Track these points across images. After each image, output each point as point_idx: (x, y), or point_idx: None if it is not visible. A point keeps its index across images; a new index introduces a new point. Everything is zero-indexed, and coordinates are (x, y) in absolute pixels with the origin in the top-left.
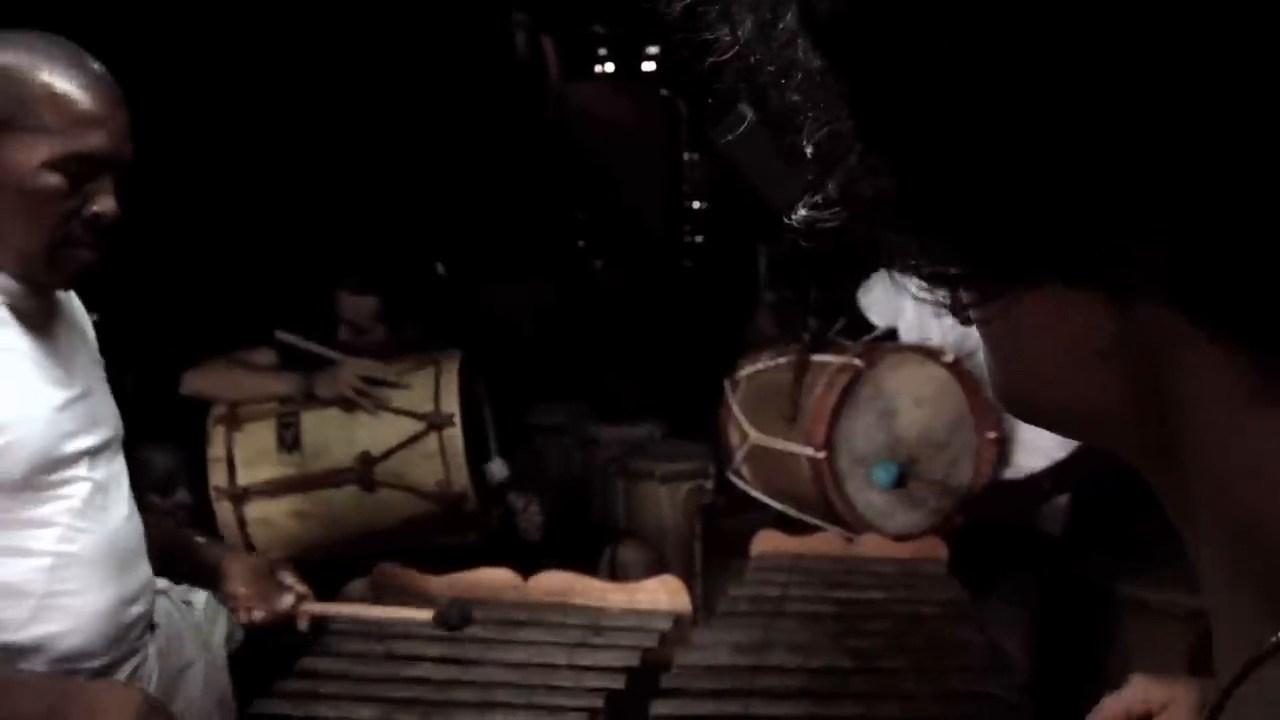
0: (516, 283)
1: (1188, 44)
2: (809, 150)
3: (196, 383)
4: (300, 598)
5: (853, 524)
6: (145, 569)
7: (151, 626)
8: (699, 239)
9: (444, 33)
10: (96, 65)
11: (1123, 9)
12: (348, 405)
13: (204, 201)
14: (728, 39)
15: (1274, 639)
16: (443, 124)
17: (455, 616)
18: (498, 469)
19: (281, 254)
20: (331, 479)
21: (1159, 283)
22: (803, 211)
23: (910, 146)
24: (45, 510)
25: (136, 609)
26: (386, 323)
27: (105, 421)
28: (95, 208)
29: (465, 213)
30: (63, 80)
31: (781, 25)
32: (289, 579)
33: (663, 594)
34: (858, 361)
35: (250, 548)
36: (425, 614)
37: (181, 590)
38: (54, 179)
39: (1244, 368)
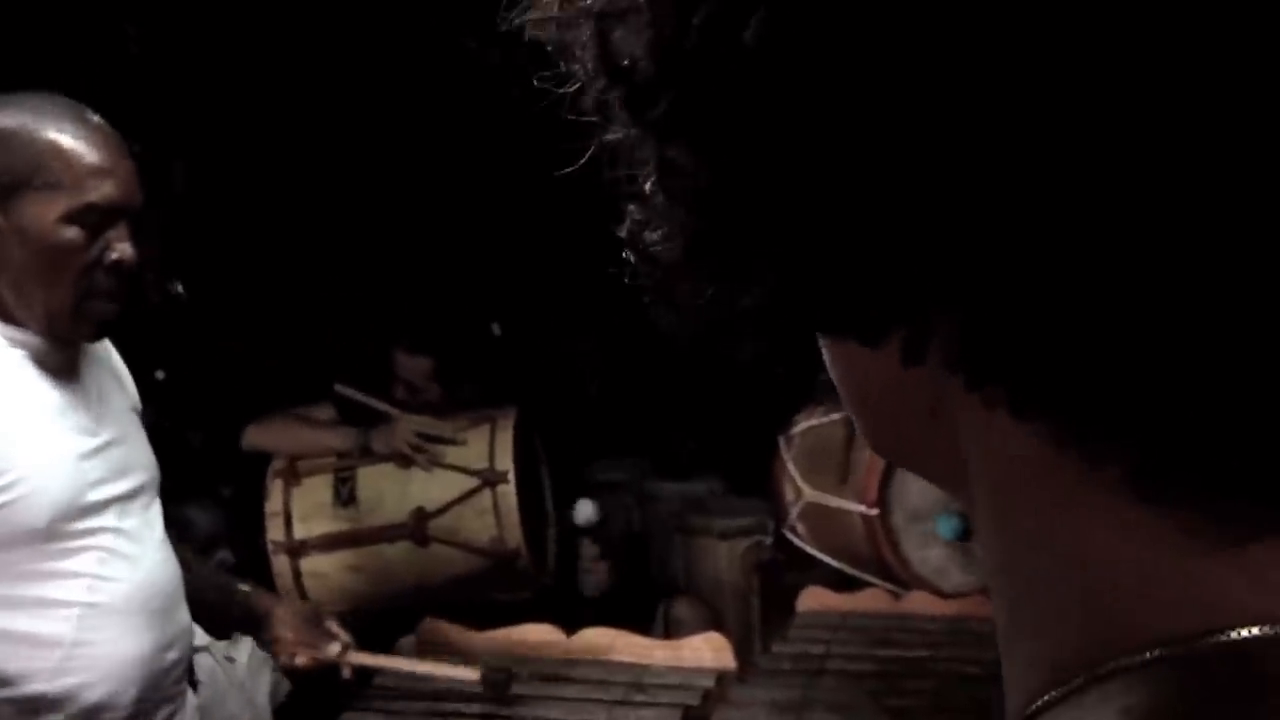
0: (582, 338)
1: (971, 126)
2: (644, 191)
3: (257, 437)
4: (345, 647)
5: (908, 581)
6: (182, 616)
7: (193, 682)
8: None
9: (502, 94)
10: (97, 118)
11: (907, 93)
12: (403, 461)
13: (266, 261)
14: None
15: (1036, 703)
16: (504, 183)
17: (500, 682)
18: (586, 510)
19: (342, 312)
20: (385, 534)
21: (940, 348)
22: (638, 247)
23: (703, 199)
24: (72, 561)
25: (172, 656)
26: (441, 382)
27: (138, 469)
28: (114, 255)
29: (527, 269)
30: (68, 136)
31: (598, 84)
32: (334, 628)
33: (707, 651)
34: None
35: (305, 601)
36: (470, 673)
37: (223, 646)
38: (71, 232)
39: (1022, 441)
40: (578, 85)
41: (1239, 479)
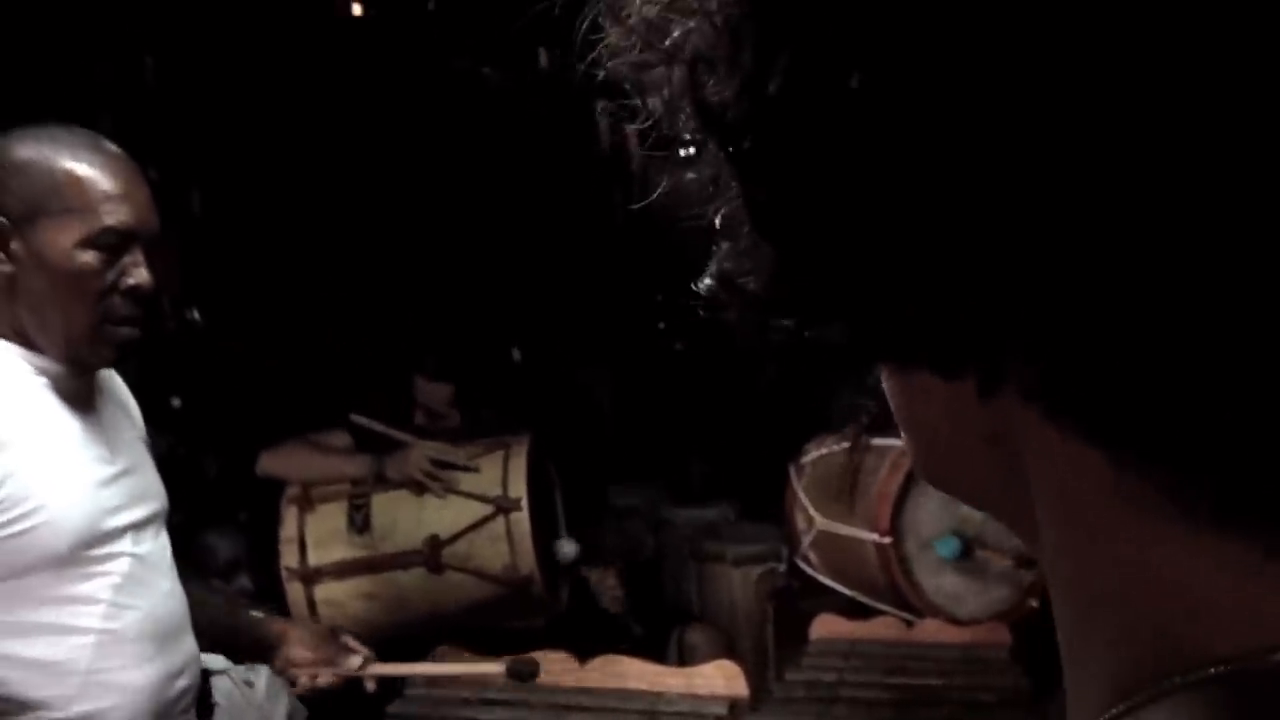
0: (598, 364)
1: (1046, 170)
2: (716, 223)
3: (272, 463)
4: (366, 659)
5: (922, 609)
6: (190, 644)
7: (210, 705)
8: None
9: (525, 119)
10: (112, 146)
11: (989, 125)
12: (417, 488)
13: (284, 287)
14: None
15: (1101, 719)
16: (524, 210)
17: (525, 668)
18: (567, 548)
19: (362, 338)
20: (399, 561)
21: (1016, 381)
22: (708, 281)
23: (791, 236)
24: (89, 586)
25: (181, 683)
26: (461, 408)
27: (149, 497)
28: (131, 280)
29: (545, 297)
30: (83, 164)
31: (683, 111)
32: (352, 642)
33: (720, 679)
34: None
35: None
36: (495, 666)
37: (242, 670)
38: (88, 257)
39: (1095, 468)
40: (647, 122)
41: None
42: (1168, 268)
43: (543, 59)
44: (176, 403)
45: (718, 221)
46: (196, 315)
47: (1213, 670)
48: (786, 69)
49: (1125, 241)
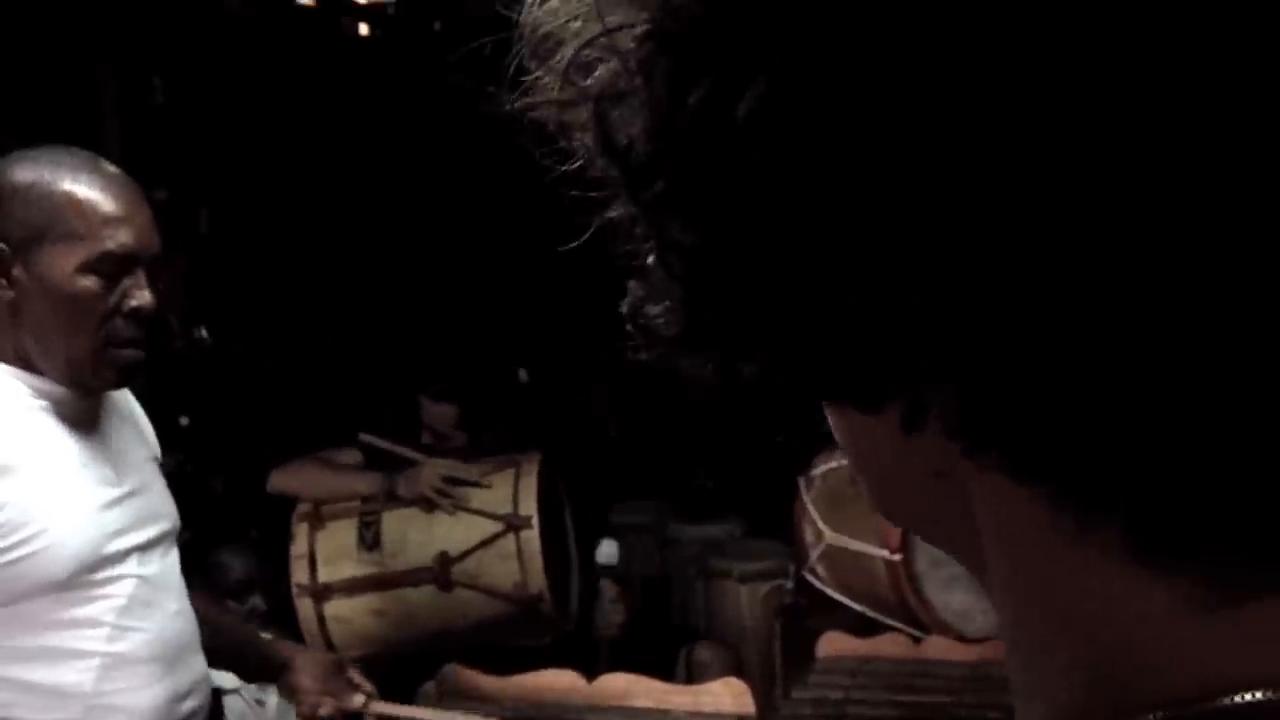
0: (602, 381)
1: (964, 206)
2: (643, 266)
3: (282, 481)
4: (369, 697)
5: (930, 626)
6: (199, 664)
7: None
8: None
9: (523, 147)
10: (113, 168)
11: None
12: (428, 505)
13: (291, 306)
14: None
15: None
16: (528, 231)
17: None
18: (608, 550)
19: (370, 359)
20: (409, 578)
21: (939, 416)
22: (638, 321)
23: (697, 275)
24: (92, 609)
25: (189, 704)
26: (466, 430)
27: (158, 517)
28: (133, 303)
29: (547, 314)
30: (84, 187)
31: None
32: (357, 677)
33: (727, 696)
34: None
35: (329, 645)
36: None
37: (253, 690)
38: (89, 281)
39: (1029, 503)
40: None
41: (1235, 541)
42: (1078, 304)
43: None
44: (185, 421)
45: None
46: (204, 333)
47: (1151, 716)
48: (695, 108)
49: (1033, 279)
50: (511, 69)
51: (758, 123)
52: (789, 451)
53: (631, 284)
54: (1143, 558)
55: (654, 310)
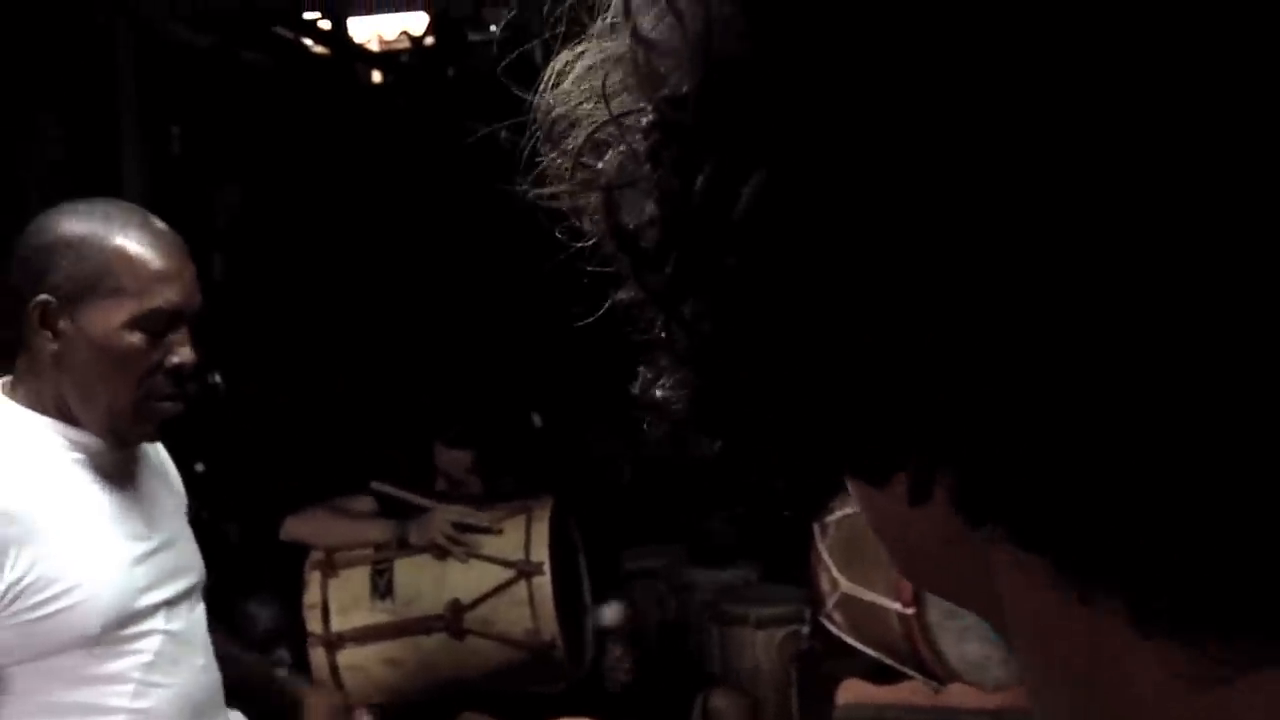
0: (615, 426)
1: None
2: (653, 347)
3: (296, 529)
4: None
5: (945, 678)
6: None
7: None
8: None
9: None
10: (161, 224)
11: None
12: (440, 552)
13: (307, 354)
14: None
15: None
16: (540, 277)
17: None
18: (611, 613)
19: (383, 405)
20: (422, 626)
21: (944, 490)
22: (656, 393)
23: (705, 360)
24: (120, 665)
25: None
26: (481, 475)
27: (186, 571)
28: (176, 359)
29: (561, 360)
30: (134, 243)
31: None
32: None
33: None
34: None
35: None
36: None
37: None
38: (135, 338)
39: (1041, 572)
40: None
41: (1234, 614)
42: (1075, 387)
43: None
44: (200, 467)
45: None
46: (219, 379)
47: None
48: (700, 198)
49: (1028, 369)
50: (525, 152)
51: (758, 213)
52: (804, 496)
53: (642, 364)
54: (1144, 628)
55: (664, 388)
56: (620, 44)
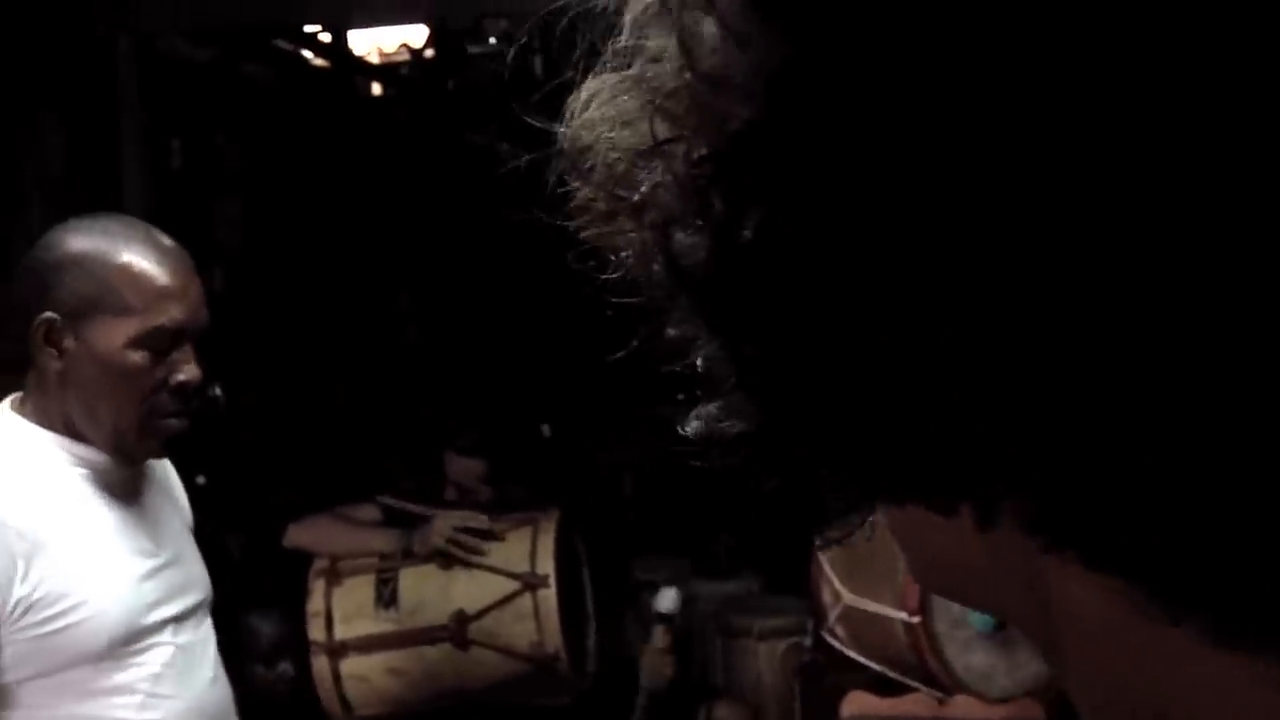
0: (619, 441)
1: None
2: (698, 366)
3: (300, 536)
4: None
5: (951, 688)
6: None
7: None
8: None
9: (543, 197)
10: (167, 240)
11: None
12: (445, 562)
13: (309, 366)
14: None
15: None
16: (546, 288)
17: None
18: (669, 598)
19: (391, 415)
20: (426, 636)
21: (1013, 515)
22: (695, 423)
23: (768, 390)
24: (126, 677)
25: None
26: (493, 485)
27: (192, 587)
28: (181, 376)
29: (567, 371)
30: (139, 260)
31: (655, 265)
32: None
33: None
34: None
35: (345, 704)
36: None
37: None
38: (140, 355)
39: (1111, 591)
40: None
41: None
42: (1156, 401)
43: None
44: (201, 480)
45: (698, 368)
46: (219, 391)
47: None
48: (755, 229)
49: (1104, 384)
50: (552, 183)
51: (820, 247)
52: (806, 508)
53: (701, 394)
54: (1229, 643)
55: (713, 420)
56: (653, 71)
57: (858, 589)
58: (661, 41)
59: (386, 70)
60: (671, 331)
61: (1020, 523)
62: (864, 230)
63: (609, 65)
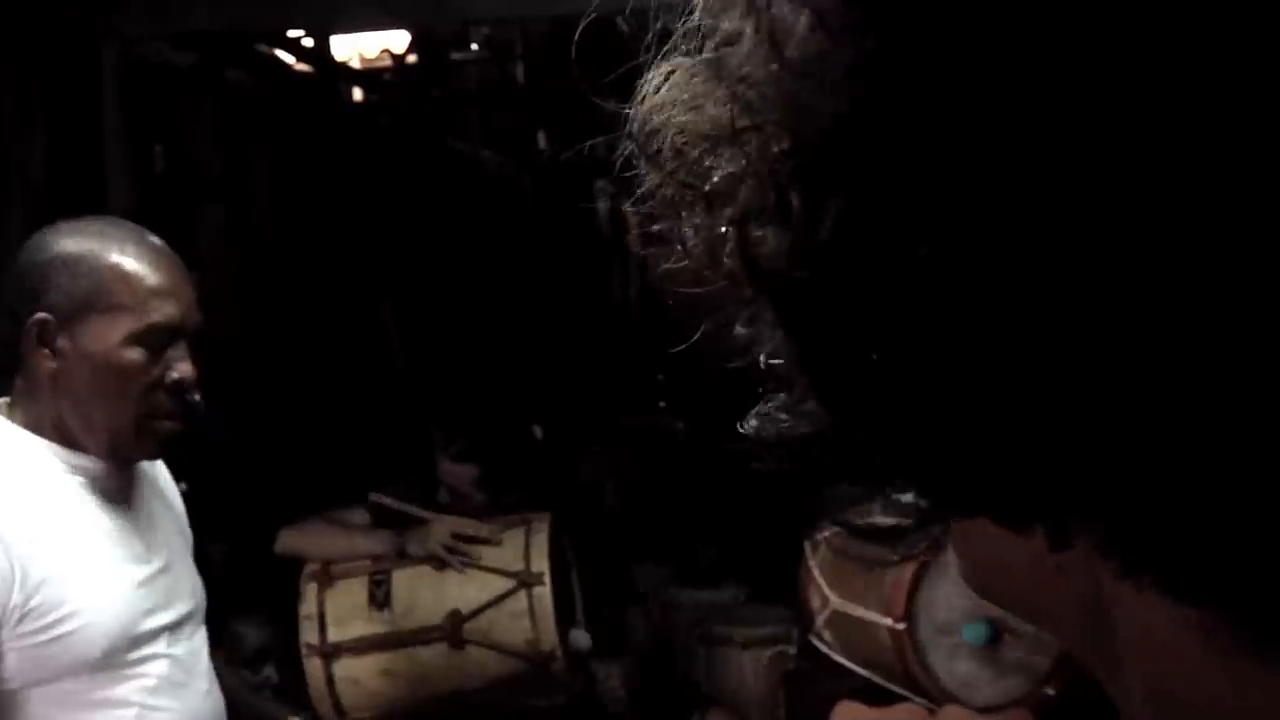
0: (601, 449)
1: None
2: (762, 363)
3: (291, 540)
4: None
5: (936, 696)
6: None
7: None
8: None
9: (526, 201)
10: (158, 241)
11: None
12: (438, 563)
13: (290, 374)
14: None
15: None
16: (531, 291)
17: None
18: (581, 638)
19: (382, 421)
20: (420, 637)
21: (1087, 536)
22: (754, 422)
23: (843, 394)
24: (122, 690)
25: None
26: (486, 490)
27: (186, 595)
28: (175, 375)
29: (555, 378)
30: (131, 259)
31: (725, 253)
32: None
33: None
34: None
35: (338, 707)
36: None
37: None
38: (134, 353)
39: (1184, 618)
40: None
41: None
42: (1243, 435)
43: (541, 142)
44: (184, 487)
45: (761, 367)
46: (198, 398)
47: None
48: (834, 226)
49: (1187, 413)
50: (619, 164)
51: (897, 245)
52: (790, 516)
53: (768, 396)
54: None
55: (781, 417)
56: (729, 55)
57: (845, 593)
58: (736, 24)
59: (369, 76)
60: (739, 328)
61: (1096, 545)
62: (949, 233)
63: (680, 47)
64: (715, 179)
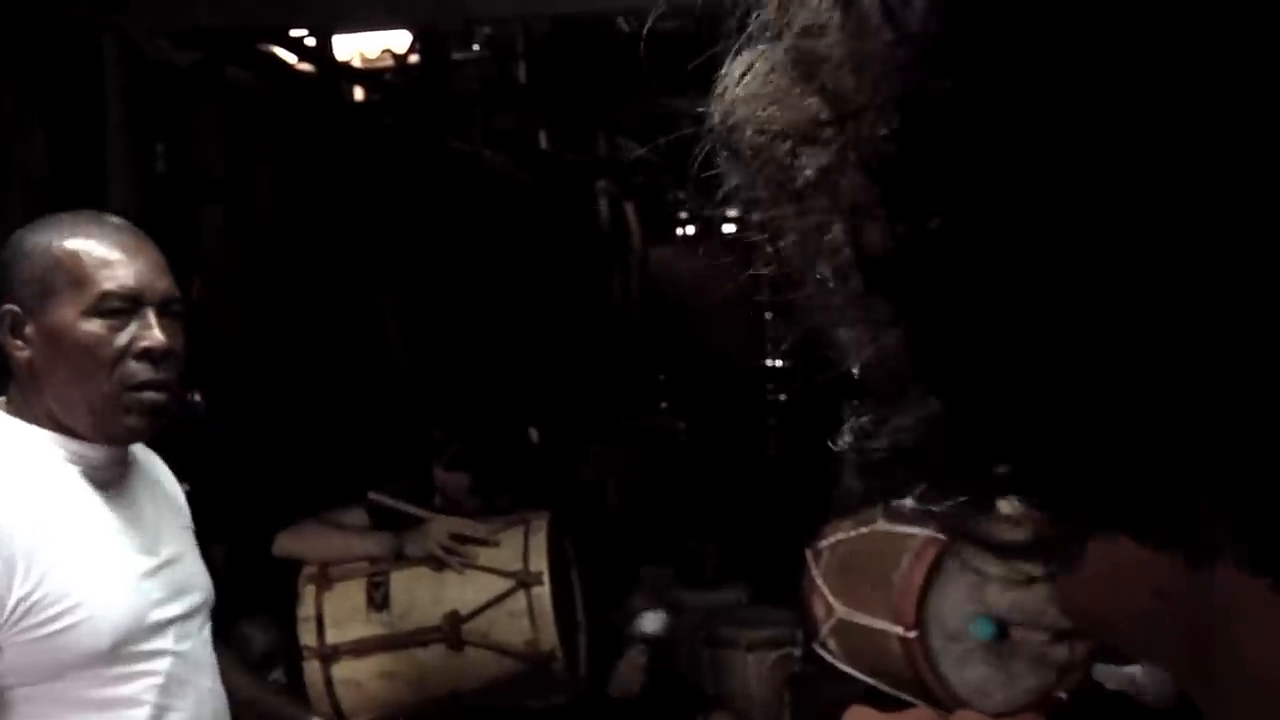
0: (603, 449)
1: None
2: (854, 369)
3: (289, 543)
4: None
5: (948, 703)
6: None
7: None
8: (782, 397)
9: (531, 202)
10: (114, 219)
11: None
12: (437, 564)
13: (288, 377)
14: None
15: None
16: (535, 293)
17: None
18: (653, 622)
19: (379, 418)
20: (419, 638)
21: (1237, 549)
22: (849, 436)
23: (967, 395)
24: (131, 688)
25: None
26: (481, 496)
27: (194, 589)
28: (143, 343)
29: (556, 379)
30: (81, 238)
31: (828, 237)
32: None
33: None
34: (942, 536)
35: (337, 709)
36: None
37: None
38: (93, 324)
39: None
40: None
41: None
42: None
43: (542, 142)
44: (186, 488)
45: (857, 372)
46: (199, 398)
47: None
48: (951, 210)
49: None
50: (699, 160)
51: (1030, 243)
52: (794, 518)
53: (868, 402)
54: None
55: (895, 431)
56: (812, 45)
57: (851, 602)
58: (813, 14)
59: (371, 75)
60: (840, 332)
61: (1235, 559)
62: (1083, 214)
63: (754, 40)
64: (808, 173)
